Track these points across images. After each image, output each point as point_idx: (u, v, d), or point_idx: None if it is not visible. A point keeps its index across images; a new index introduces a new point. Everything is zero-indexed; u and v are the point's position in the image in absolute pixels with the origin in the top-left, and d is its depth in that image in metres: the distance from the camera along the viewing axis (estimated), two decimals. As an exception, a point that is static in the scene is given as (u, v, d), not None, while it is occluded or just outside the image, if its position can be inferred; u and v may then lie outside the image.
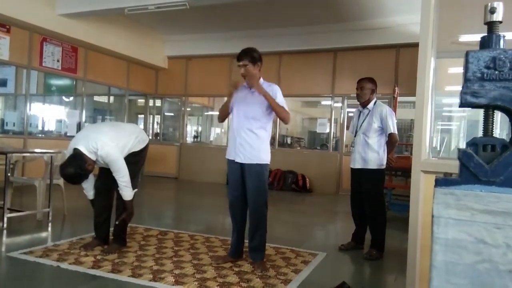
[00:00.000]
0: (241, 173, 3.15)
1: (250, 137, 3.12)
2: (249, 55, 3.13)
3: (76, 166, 3.01)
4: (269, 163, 3.21)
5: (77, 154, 3.06)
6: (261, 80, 3.21)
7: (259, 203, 3.14)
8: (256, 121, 3.13)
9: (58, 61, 7.71)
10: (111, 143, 3.15)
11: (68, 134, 8.34)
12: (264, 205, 3.17)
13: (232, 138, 3.23)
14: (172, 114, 11.33)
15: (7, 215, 4.03)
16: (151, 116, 10.85)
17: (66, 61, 7.87)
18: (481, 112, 1.24)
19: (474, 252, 0.55)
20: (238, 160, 3.14)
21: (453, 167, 1.37)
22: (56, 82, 9.54)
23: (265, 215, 3.18)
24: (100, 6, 6.84)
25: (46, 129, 9.33)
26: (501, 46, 1.18)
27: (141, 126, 10.45)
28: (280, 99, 3.14)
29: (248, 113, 3.13)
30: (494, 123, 1.22)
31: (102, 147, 3.08)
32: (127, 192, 3.22)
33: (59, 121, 9.42)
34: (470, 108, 1.23)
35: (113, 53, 8.68)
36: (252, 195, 3.12)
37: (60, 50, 7.74)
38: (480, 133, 1.25)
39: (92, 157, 3.10)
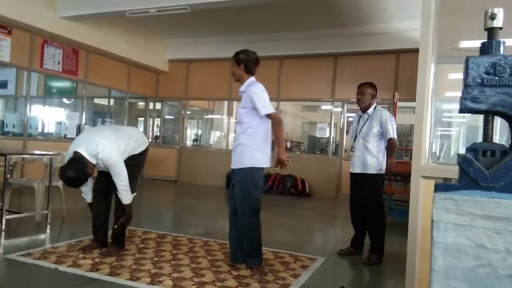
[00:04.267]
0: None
1: (236, 142, 3.17)
2: (235, 57, 3.24)
3: (77, 170, 2.98)
4: (254, 166, 3.03)
5: (77, 158, 3.04)
6: (250, 79, 3.18)
7: (245, 210, 3.04)
8: (240, 125, 3.16)
9: (59, 63, 7.72)
10: (112, 146, 3.14)
11: (68, 136, 8.34)
12: (252, 213, 3.05)
13: None
14: (172, 117, 11.35)
15: (6, 216, 4.03)
16: (151, 119, 10.86)
17: (67, 63, 7.88)
18: (481, 117, 1.24)
19: (474, 256, 0.55)
20: (231, 166, 3.18)
21: (453, 172, 1.37)
22: (57, 84, 9.56)
23: (253, 224, 3.06)
24: (101, 9, 6.86)
25: (46, 131, 9.33)
26: (501, 52, 1.19)
27: (141, 129, 10.46)
28: (258, 102, 3.02)
29: (237, 117, 3.21)
30: (494, 128, 1.22)
31: (103, 151, 3.07)
32: (126, 196, 3.21)
33: (59, 123, 9.42)
34: (470, 114, 1.23)
35: (114, 56, 8.70)
36: (238, 202, 3.09)
37: (61, 52, 7.75)
38: (479, 139, 1.26)
39: (93, 160, 3.08)
